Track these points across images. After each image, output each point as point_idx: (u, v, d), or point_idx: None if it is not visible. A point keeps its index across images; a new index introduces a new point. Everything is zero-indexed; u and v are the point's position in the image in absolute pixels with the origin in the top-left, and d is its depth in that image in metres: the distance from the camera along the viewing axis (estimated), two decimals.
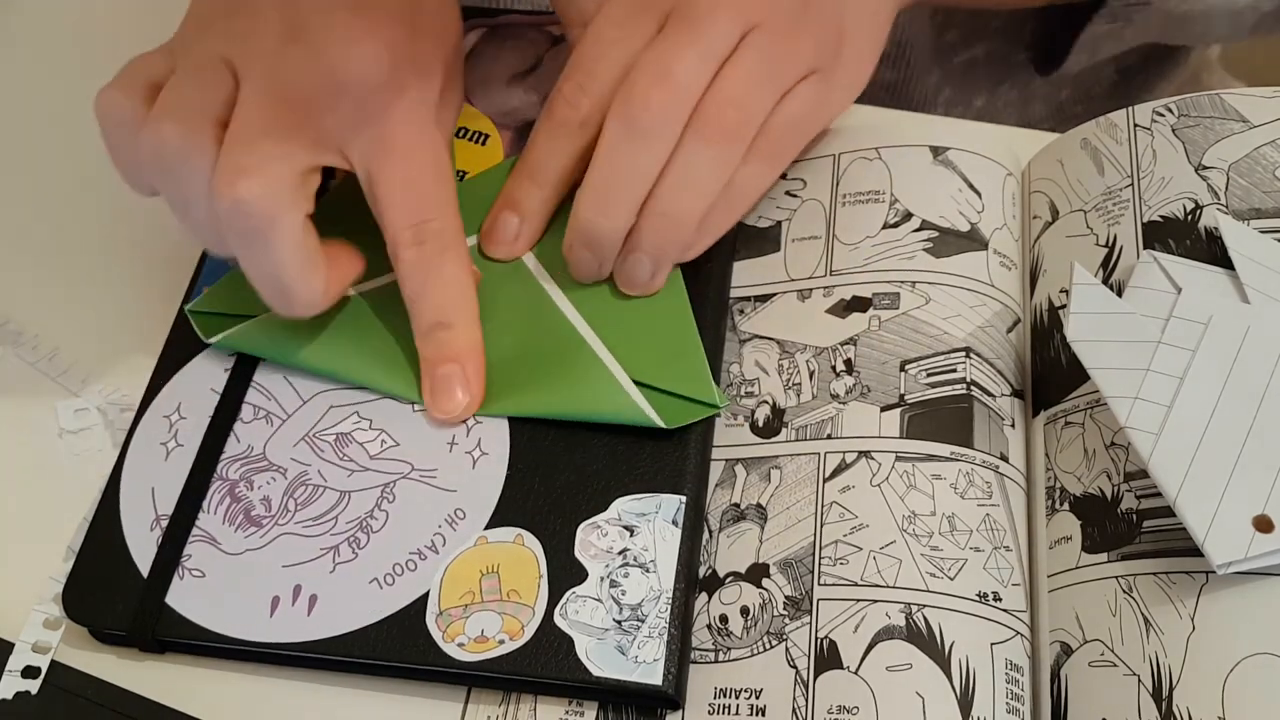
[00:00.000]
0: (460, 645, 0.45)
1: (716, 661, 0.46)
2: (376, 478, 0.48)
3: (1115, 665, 0.43)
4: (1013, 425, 0.49)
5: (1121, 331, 0.46)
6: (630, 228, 0.49)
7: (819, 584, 0.46)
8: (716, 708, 0.45)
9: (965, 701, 0.43)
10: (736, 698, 0.45)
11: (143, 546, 0.47)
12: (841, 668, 0.44)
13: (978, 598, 0.45)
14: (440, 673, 0.45)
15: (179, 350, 0.52)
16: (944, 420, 0.48)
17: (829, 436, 0.48)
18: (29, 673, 0.47)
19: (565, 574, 0.46)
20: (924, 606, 0.44)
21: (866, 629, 0.44)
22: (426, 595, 0.46)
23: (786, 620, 0.45)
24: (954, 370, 0.49)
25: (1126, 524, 0.44)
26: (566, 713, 0.45)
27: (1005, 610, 0.45)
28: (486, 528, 0.47)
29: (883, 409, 0.48)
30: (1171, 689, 0.41)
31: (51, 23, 0.66)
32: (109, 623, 0.47)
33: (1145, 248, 0.49)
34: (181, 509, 0.48)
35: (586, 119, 0.49)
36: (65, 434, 0.53)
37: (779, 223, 0.54)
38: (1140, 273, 0.47)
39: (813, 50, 0.49)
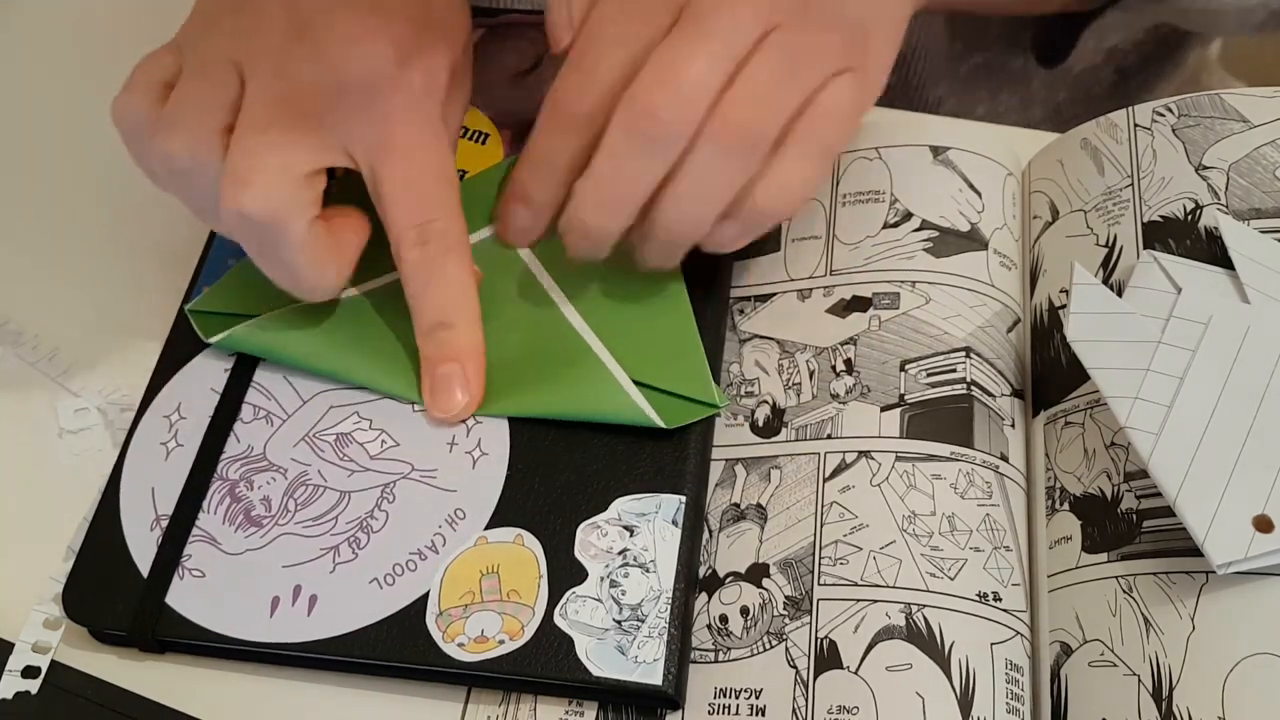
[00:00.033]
0: (460, 645, 0.45)
1: (716, 661, 0.45)
2: (376, 478, 0.48)
3: (1115, 665, 0.43)
4: (1013, 425, 0.49)
5: (1121, 331, 0.46)
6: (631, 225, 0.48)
7: (819, 584, 0.45)
8: (716, 708, 0.45)
9: (965, 701, 0.43)
10: (736, 698, 0.45)
11: (143, 546, 0.47)
12: (841, 668, 0.44)
13: (978, 598, 0.45)
14: (440, 673, 0.45)
15: (179, 350, 0.52)
16: (944, 420, 0.48)
17: (829, 436, 0.48)
18: (29, 673, 0.47)
19: (565, 574, 0.46)
20: (924, 606, 0.44)
21: (866, 629, 0.44)
22: (426, 595, 0.46)
23: (786, 620, 0.45)
24: (954, 370, 0.49)
25: (1126, 524, 0.44)
26: (566, 713, 0.45)
27: (1005, 610, 0.45)
28: (486, 528, 0.47)
29: (883, 409, 0.48)
30: (1171, 689, 0.41)
31: (51, 23, 0.66)
32: (109, 623, 0.47)
33: (1145, 248, 0.49)
34: (181, 509, 0.48)
35: (592, 112, 0.46)
36: (65, 434, 0.53)
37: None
38: (1140, 273, 0.47)
39: (841, 48, 0.46)
